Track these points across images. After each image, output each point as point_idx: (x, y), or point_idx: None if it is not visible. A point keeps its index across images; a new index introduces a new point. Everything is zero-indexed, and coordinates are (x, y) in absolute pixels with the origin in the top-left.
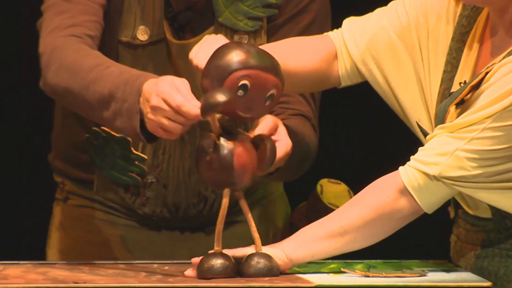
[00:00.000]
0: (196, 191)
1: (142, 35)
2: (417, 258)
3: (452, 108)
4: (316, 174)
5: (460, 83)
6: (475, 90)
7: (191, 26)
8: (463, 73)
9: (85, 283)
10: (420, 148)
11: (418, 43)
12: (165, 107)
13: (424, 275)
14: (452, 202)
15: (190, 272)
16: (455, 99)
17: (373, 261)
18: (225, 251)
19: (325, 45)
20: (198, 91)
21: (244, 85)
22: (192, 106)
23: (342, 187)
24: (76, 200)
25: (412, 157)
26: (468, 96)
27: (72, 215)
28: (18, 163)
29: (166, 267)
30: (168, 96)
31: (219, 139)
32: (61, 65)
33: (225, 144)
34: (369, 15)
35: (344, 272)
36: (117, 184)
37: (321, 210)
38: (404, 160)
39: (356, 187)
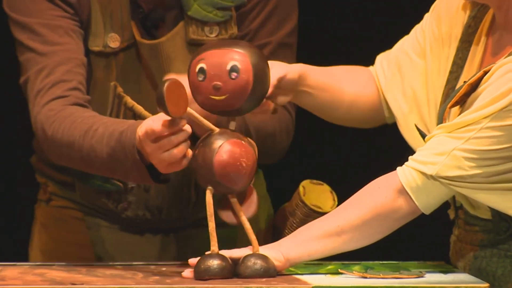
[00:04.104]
0: (179, 191)
1: (113, 42)
2: (414, 260)
3: (454, 109)
4: (299, 175)
5: (464, 81)
6: (474, 89)
7: (163, 23)
8: (469, 73)
9: (82, 284)
10: (418, 148)
11: (438, 55)
12: (154, 144)
13: (422, 276)
14: (452, 204)
15: (187, 273)
16: (453, 98)
17: (371, 262)
18: (222, 252)
19: (370, 77)
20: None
21: (201, 68)
22: (162, 119)
23: (324, 188)
24: (59, 201)
25: (410, 157)
26: (467, 95)
27: (55, 216)
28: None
29: (164, 268)
30: (146, 132)
31: (209, 135)
32: (54, 143)
33: (212, 141)
34: (395, 45)
35: (341, 273)
36: (98, 192)
37: (304, 211)
38: (386, 160)
39: (338, 187)
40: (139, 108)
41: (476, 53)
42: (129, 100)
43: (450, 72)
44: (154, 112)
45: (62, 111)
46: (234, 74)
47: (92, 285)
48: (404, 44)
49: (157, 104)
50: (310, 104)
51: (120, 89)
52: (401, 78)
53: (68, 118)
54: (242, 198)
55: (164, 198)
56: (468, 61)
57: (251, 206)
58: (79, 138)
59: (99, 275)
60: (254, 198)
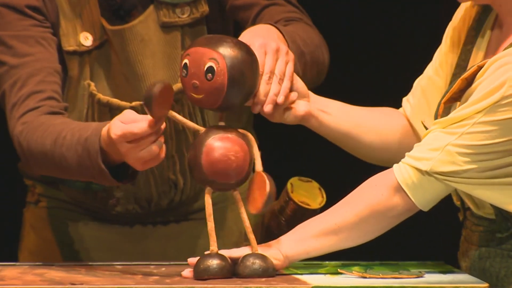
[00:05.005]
0: (165, 177)
1: (87, 40)
2: (414, 260)
3: (454, 105)
4: (287, 172)
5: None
6: (470, 85)
7: (136, 11)
8: None
9: (81, 284)
10: (415, 144)
11: (450, 65)
12: (131, 144)
13: (421, 277)
14: (460, 206)
15: (187, 272)
16: (447, 93)
17: (370, 262)
18: (221, 251)
19: (398, 114)
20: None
21: (185, 64)
22: (143, 120)
23: (312, 185)
24: (47, 202)
25: (406, 153)
26: (463, 91)
27: (44, 216)
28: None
29: (163, 268)
30: (124, 134)
31: (196, 137)
32: (30, 155)
33: (198, 142)
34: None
35: (341, 273)
36: (85, 192)
37: (292, 208)
38: None
39: (326, 184)
40: (115, 101)
41: (478, 53)
42: (102, 97)
43: (453, 75)
44: (130, 103)
45: (34, 122)
46: (209, 76)
47: (92, 285)
48: (425, 71)
49: (144, 104)
50: (333, 130)
51: (92, 87)
52: (426, 102)
53: (39, 128)
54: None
55: (151, 188)
56: (471, 62)
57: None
58: (50, 147)
59: (98, 275)
60: (266, 187)
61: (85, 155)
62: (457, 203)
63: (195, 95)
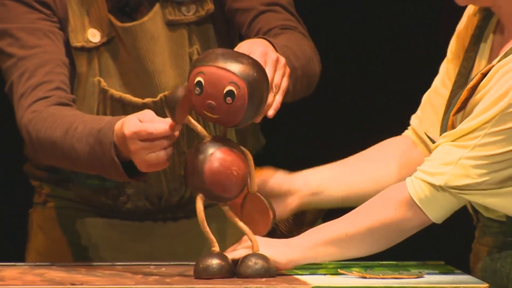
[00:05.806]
0: (176, 174)
1: (94, 37)
2: (414, 260)
3: (459, 115)
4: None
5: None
6: (473, 93)
7: (143, 8)
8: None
9: (82, 284)
10: (425, 159)
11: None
12: (142, 144)
13: (421, 277)
14: (471, 208)
15: None
16: (455, 105)
17: (370, 262)
18: (225, 252)
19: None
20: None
21: (198, 82)
22: (161, 122)
23: None
24: (55, 202)
25: (418, 168)
26: (468, 100)
27: (53, 217)
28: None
29: (163, 268)
30: (139, 132)
31: (201, 143)
32: (39, 144)
33: (204, 148)
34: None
35: (341, 274)
36: (95, 190)
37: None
38: None
39: None
40: (127, 97)
41: (481, 61)
42: (114, 93)
43: (455, 82)
44: (142, 99)
45: (44, 112)
46: (229, 99)
47: (92, 285)
48: (433, 84)
49: (167, 108)
50: (330, 202)
51: (103, 84)
52: (436, 114)
53: (49, 118)
54: (259, 214)
55: (162, 185)
56: (475, 69)
57: (267, 222)
58: (60, 138)
59: (98, 275)
60: (269, 214)
61: (97, 146)
62: (469, 207)
63: (210, 115)
